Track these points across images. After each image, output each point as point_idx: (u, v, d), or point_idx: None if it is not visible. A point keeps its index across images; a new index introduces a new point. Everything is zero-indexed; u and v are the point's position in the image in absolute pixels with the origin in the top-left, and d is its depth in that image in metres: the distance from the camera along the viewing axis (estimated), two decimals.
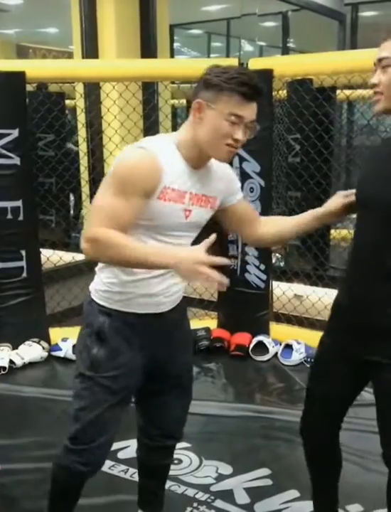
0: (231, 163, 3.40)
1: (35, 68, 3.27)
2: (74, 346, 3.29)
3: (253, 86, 1.45)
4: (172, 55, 6.38)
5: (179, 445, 2.32)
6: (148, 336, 1.62)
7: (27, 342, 3.35)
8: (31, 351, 3.30)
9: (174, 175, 1.49)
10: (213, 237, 1.45)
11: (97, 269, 1.64)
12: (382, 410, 1.61)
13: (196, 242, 1.56)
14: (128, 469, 2.28)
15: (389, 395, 1.58)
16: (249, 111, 1.47)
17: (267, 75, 3.23)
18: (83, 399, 1.61)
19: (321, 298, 3.51)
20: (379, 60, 1.45)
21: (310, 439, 1.77)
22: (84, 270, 3.71)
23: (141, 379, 1.65)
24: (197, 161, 1.54)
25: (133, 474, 2.23)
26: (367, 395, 1.73)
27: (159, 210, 1.49)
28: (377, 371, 1.58)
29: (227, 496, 2.17)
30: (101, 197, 1.48)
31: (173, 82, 3.92)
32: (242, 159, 3.35)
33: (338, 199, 1.68)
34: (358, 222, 1.60)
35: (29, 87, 3.34)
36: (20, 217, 3.25)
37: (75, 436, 1.61)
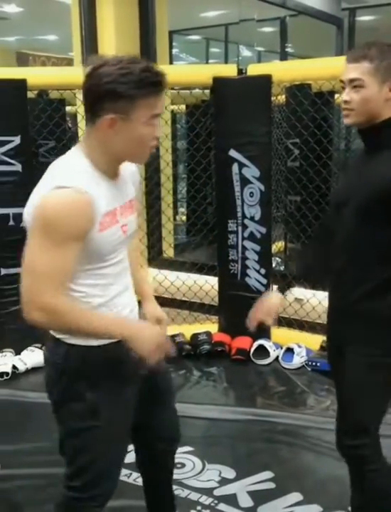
0: (230, 169, 3.44)
1: (36, 76, 3.30)
2: None
3: (161, 80, 1.36)
4: (171, 61, 6.40)
5: (182, 449, 2.35)
6: (134, 364, 1.49)
7: (30, 347, 3.36)
8: (34, 356, 3.31)
9: (104, 200, 1.38)
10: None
11: None
12: (341, 396, 1.72)
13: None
14: (131, 473, 2.28)
15: (349, 378, 1.68)
16: (163, 103, 1.40)
17: (266, 80, 3.26)
18: (89, 451, 1.50)
19: (322, 301, 3.51)
20: (350, 80, 1.57)
21: None
22: None
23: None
24: (114, 172, 1.46)
25: (136, 478, 2.24)
26: None
27: (104, 241, 1.39)
28: (341, 357, 1.68)
29: (231, 499, 2.18)
30: (37, 254, 1.32)
31: (172, 88, 3.95)
32: (241, 165, 3.37)
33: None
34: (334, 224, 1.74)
35: (30, 94, 3.36)
36: (22, 224, 3.27)
37: (83, 487, 1.53)
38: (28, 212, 1.40)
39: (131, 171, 1.57)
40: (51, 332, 1.51)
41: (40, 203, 1.33)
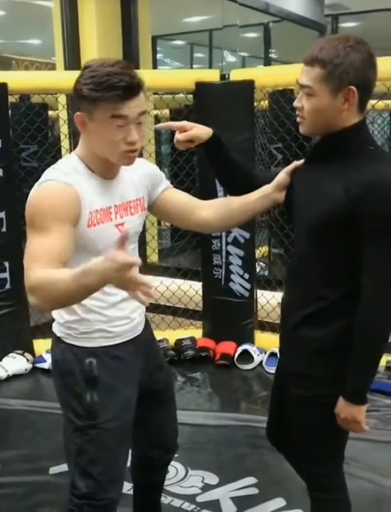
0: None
1: (17, 80, 3.27)
2: None
3: (125, 87, 1.32)
4: (155, 66, 6.40)
5: None
6: (135, 365, 1.57)
7: (11, 354, 3.33)
8: (15, 363, 3.28)
9: (94, 196, 1.41)
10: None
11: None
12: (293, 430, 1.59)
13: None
14: None
15: (293, 413, 1.57)
16: (132, 108, 1.35)
17: (249, 85, 3.27)
18: (89, 452, 1.50)
19: None
20: (301, 86, 1.41)
21: None
22: None
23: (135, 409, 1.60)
24: (108, 171, 1.46)
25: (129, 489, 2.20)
26: None
27: (95, 236, 1.41)
28: (286, 387, 1.57)
29: (214, 505, 2.17)
30: (29, 244, 1.34)
31: (155, 93, 3.94)
32: None
33: (284, 174, 1.60)
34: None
35: (11, 99, 3.33)
36: (4, 229, 3.24)
37: (90, 493, 1.51)
38: None
39: (143, 173, 1.58)
40: (53, 331, 1.53)
41: (30, 198, 1.38)
